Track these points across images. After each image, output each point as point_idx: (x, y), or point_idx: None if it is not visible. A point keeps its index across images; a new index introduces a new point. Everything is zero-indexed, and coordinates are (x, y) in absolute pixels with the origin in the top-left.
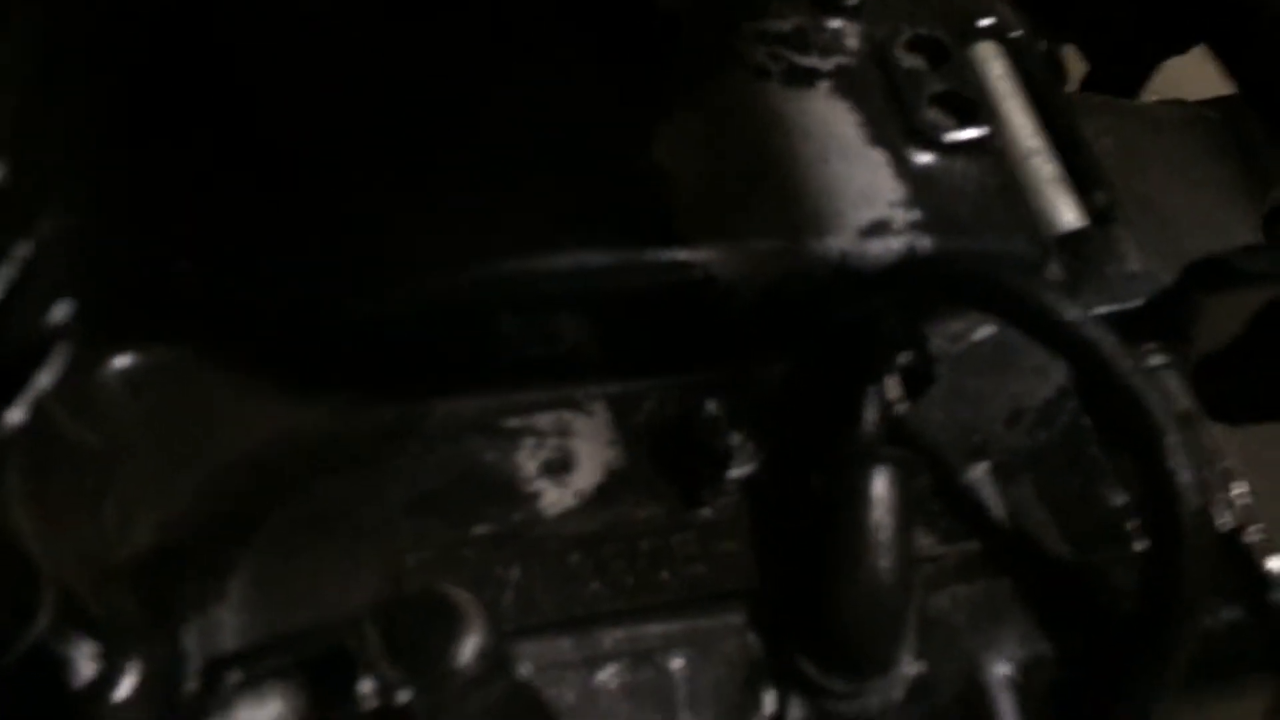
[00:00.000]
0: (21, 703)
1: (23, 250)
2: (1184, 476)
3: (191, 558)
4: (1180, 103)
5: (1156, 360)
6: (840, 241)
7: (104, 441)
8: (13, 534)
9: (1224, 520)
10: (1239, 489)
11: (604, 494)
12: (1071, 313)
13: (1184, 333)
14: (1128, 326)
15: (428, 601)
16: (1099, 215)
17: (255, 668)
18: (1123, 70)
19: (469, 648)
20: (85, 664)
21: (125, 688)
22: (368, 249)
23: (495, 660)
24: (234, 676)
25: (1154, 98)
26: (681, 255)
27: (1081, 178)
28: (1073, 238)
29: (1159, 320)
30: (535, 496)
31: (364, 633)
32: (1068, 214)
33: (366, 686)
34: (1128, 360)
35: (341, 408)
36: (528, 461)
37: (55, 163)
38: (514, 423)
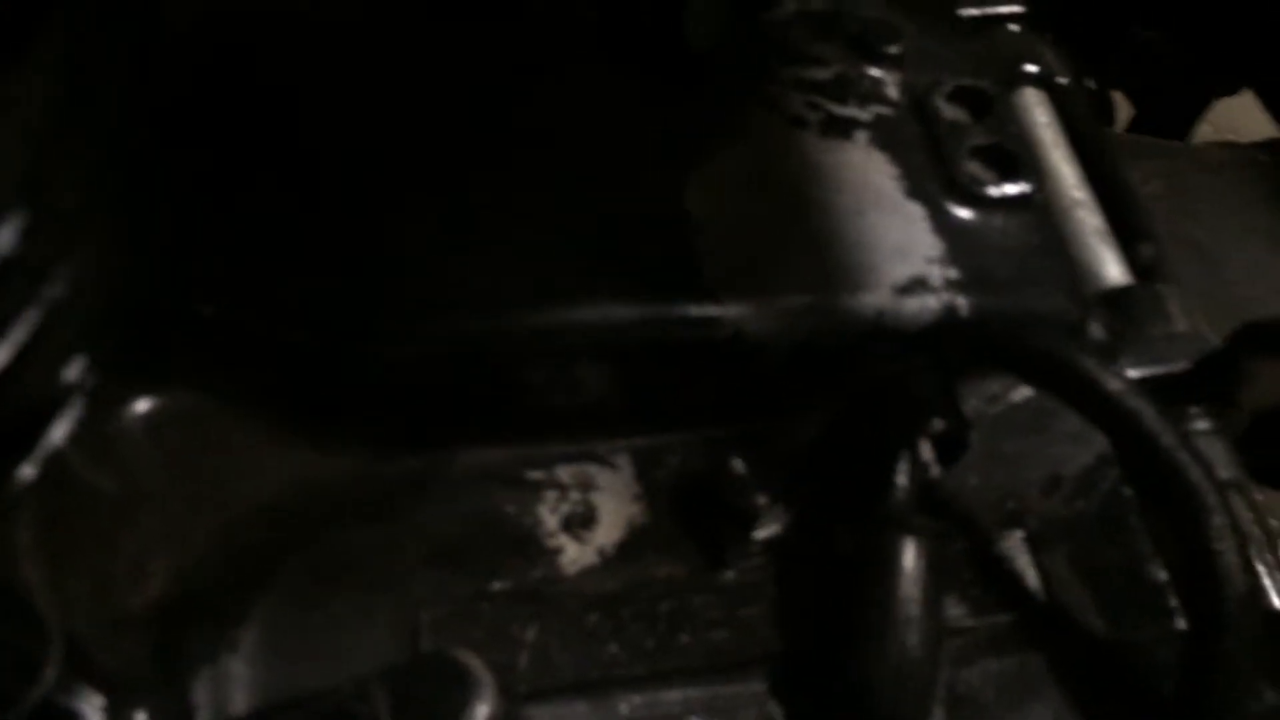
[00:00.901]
0: None
1: (34, 315)
2: (1230, 559)
3: (205, 607)
4: (1232, 145)
5: (1201, 425)
6: (875, 299)
7: (121, 487)
8: (22, 589)
9: (1272, 583)
10: None
11: (625, 552)
12: (1112, 382)
13: (1230, 397)
14: (1172, 389)
15: (439, 666)
16: (1144, 270)
17: None
18: (1171, 112)
19: (479, 715)
20: (92, 717)
21: None
22: (393, 295)
23: None
24: None
25: (1210, 135)
26: (711, 310)
27: (1127, 230)
28: (1116, 295)
29: (1205, 384)
30: (555, 552)
31: (373, 696)
32: (1112, 269)
33: None
34: (1171, 433)
35: (362, 456)
36: (549, 515)
37: (72, 211)
38: (536, 475)
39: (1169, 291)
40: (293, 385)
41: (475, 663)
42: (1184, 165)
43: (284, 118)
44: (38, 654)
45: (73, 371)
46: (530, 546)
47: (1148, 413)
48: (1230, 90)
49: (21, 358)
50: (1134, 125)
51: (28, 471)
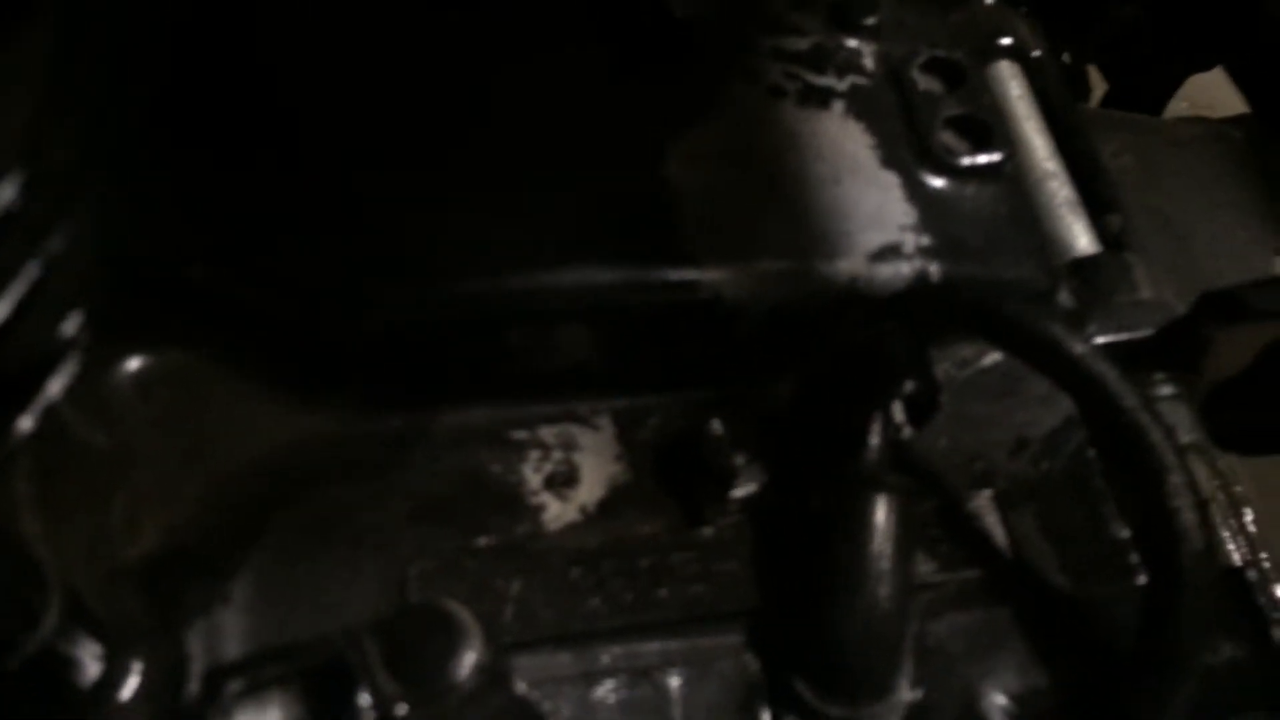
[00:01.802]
0: (28, 702)
1: (33, 269)
2: (1187, 516)
3: (197, 560)
4: (1202, 120)
5: (1165, 390)
6: (850, 265)
7: (113, 443)
8: (21, 539)
9: (1235, 548)
10: (1249, 516)
11: (606, 509)
12: (1076, 346)
13: (1194, 364)
14: (1137, 355)
15: (427, 615)
16: (1112, 240)
17: (256, 676)
18: (1145, 87)
19: (467, 662)
20: (90, 664)
21: (129, 688)
22: (377, 260)
23: (493, 675)
24: (235, 685)
25: (1186, 111)
26: (690, 274)
27: (1096, 201)
28: (1084, 264)
29: (1169, 350)
30: (538, 509)
31: (363, 645)
32: (1081, 239)
33: (365, 699)
34: (1133, 396)
35: (349, 415)
36: (532, 474)
37: (70, 170)
38: (520, 435)
39: (1135, 261)
40: (279, 347)
41: (463, 612)
42: (1155, 140)
43: (275, 89)
44: (37, 602)
45: (69, 326)
46: (514, 504)
47: (1110, 375)
48: (1204, 66)
49: (21, 310)
50: (1108, 100)
51: (26, 423)
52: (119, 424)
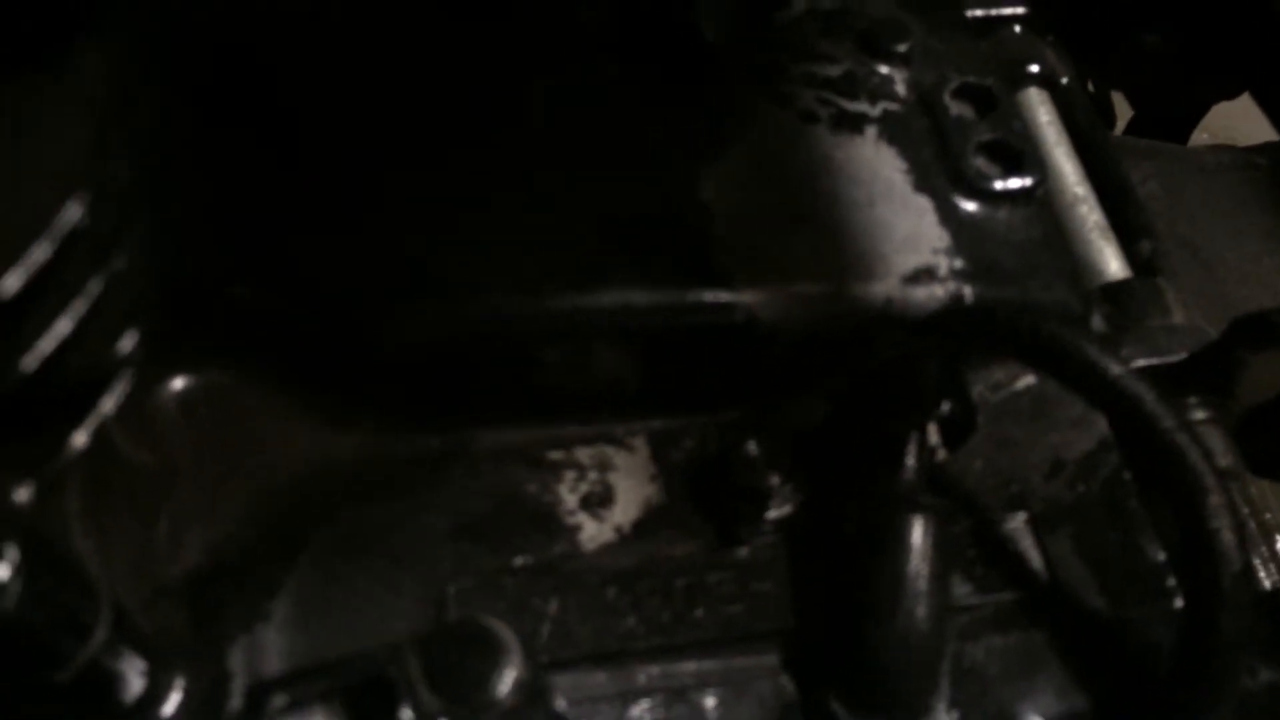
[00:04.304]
0: (74, 715)
1: (96, 286)
2: (1226, 537)
3: (238, 577)
4: (1229, 148)
5: (1199, 415)
6: (884, 287)
7: (158, 462)
8: (73, 554)
9: (1266, 575)
10: None
11: (642, 529)
12: (1113, 367)
13: (1227, 388)
14: (1170, 380)
15: (468, 632)
16: (1143, 265)
17: (299, 691)
18: (1170, 114)
19: (508, 679)
20: (135, 680)
21: (172, 704)
22: (416, 279)
23: (533, 692)
24: (278, 699)
25: (1207, 142)
26: (724, 296)
27: (1127, 226)
28: (1116, 288)
29: (1201, 375)
30: (574, 529)
31: (405, 661)
32: (1112, 263)
33: (406, 714)
34: (1170, 416)
35: (386, 435)
36: (568, 494)
37: (126, 195)
38: (556, 455)
39: (1167, 284)
40: (318, 367)
41: (503, 629)
42: (1181, 167)
43: (317, 111)
44: (88, 616)
45: (126, 344)
46: (550, 524)
47: (1148, 396)
48: (1230, 94)
49: (83, 326)
50: (1132, 127)
51: (80, 439)
52: (163, 443)
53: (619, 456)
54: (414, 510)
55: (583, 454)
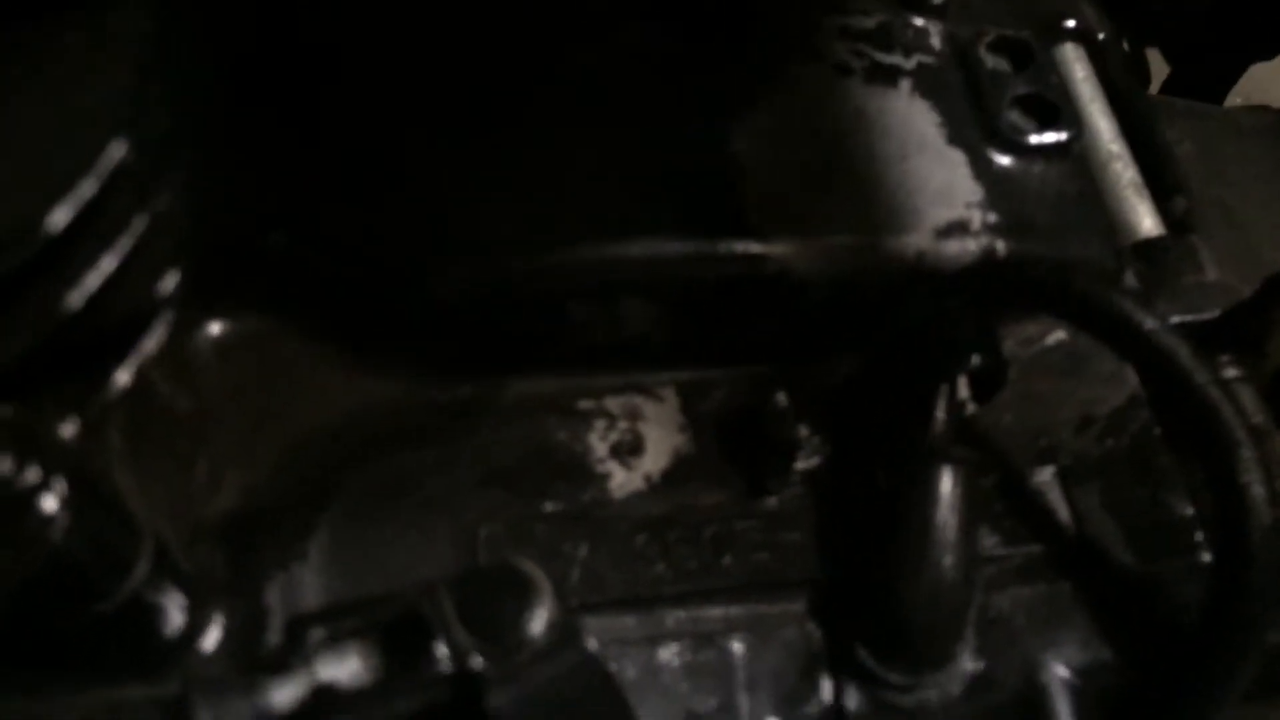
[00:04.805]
0: (116, 649)
1: (140, 223)
2: (1257, 491)
3: (274, 519)
4: (1264, 109)
5: (1230, 372)
6: (917, 240)
7: (196, 406)
8: (116, 490)
9: None
10: None
11: (671, 479)
12: (1148, 321)
13: (1259, 346)
14: (1202, 337)
15: (501, 573)
16: (1177, 223)
17: (336, 627)
18: (1207, 74)
19: (540, 619)
20: (176, 614)
21: (212, 638)
22: (450, 230)
23: (565, 633)
24: (316, 634)
25: (1239, 102)
26: (756, 248)
27: (1161, 184)
28: (1149, 245)
29: (1234, 332)
30: (605, 477)
31: (440, 600)
32: (1146, 220)
33: (441, 651)
34: (1203, 371)
35: (419, 383)
36: (599, 443)
37: (168, 137)
38: (587, 405)
39: (1201, 242)
40: (352, 315)
41: (536, 571)
42: (1216, 127)
43: (351, 63)
44: (130, 551)
45: (167, 284)
46: (580, 471)
47: (1181, 350)
48: (1267, 55)
49: (127, 264)
50: (1168, 86)
51: (123, 377)
52: (202, 387)
53: (649, 407)
54: (445, 458)
55: (613, 403)
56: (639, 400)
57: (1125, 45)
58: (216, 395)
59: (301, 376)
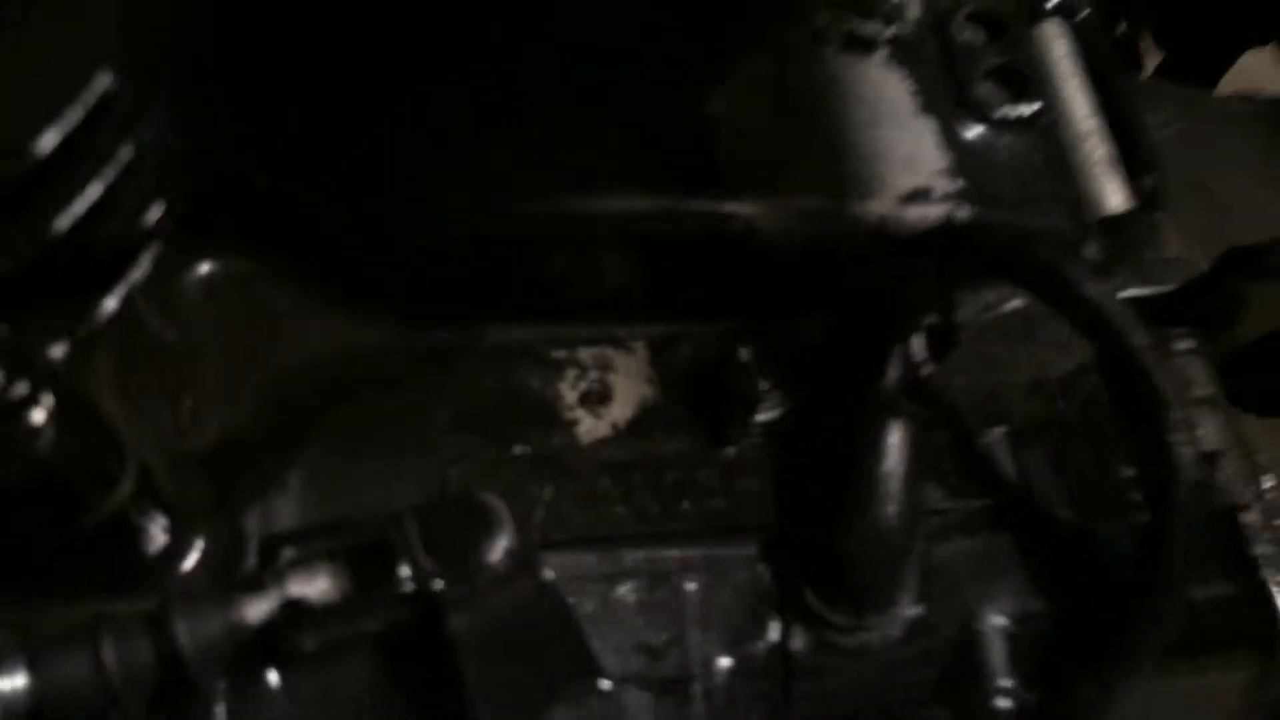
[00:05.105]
0: (100, 565)
1: (125, 153)
2: (1183, 451)
3: (254, 453)
4: (1254, 98)
5: (1185, 345)
6: (880, 205)
7: (182, 340)
8: (103, 412)
9: (1253, 512)
10: (1269, 483)
11: (636, 427)
12: (1090, 286)
13: (1216, 321)
14: (1160, 310)
15: (464, 504)
16: (1145, 199)
17: (307, 548)
18: (1199, 60)
19: (499, 548)
20: (157, 534)
21: (191, 559)
22: (428, 181)
23: (523, 562)
24: (288, 553)
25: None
26: (725, 206)
27: (1133, 161)
28: (1116, 220)
29: (1192, 306)
30: (573, 424)
31: (405, 526)
32: (1115, 197)
33: (404, 573)
34: (1141, 336)
35: (397, 328)
36: (569, 391)
37: (154, 71)
38: (559, 354)
39: (1167, 220)
40: (333, 259)
41: (497, 503)
42: (1204, 113)
43: (343, 8)
44: (114, 469)
45: (152, 215)
46: (550, 417)
47: (1122, 315)
48: (1260, 40)
49: (113, 191)
50: (1161, 71)
51: (110, 304)
52: (187, 323)
53: (619, 358)
54: (420, 401)
55: (585, 354)
56: (610, 352)
57: (1119, 30)
58: (202, 332)
59: (285, 319)
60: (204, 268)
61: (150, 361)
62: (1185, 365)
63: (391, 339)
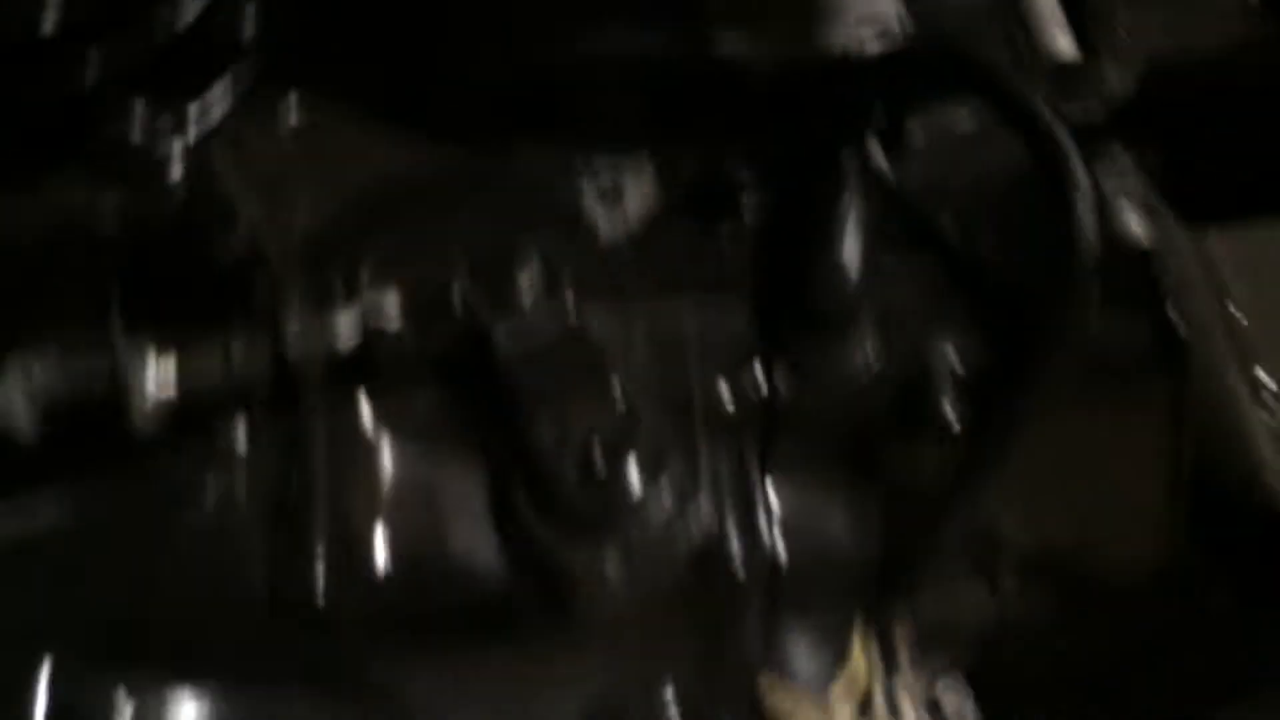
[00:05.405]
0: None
1: None
2: (1087, 217)
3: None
4: None
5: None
6: (840, 39)
7: (274, 158)
8: (225, 188)
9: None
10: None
11: (646, 216)
12: (1020, 85)
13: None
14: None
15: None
16: (1091, 50)
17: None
18: None
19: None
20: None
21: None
22: (479, 24)
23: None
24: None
25: None
26: (710, 36)
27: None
28: (1060, 66)
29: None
30: (592, 217)
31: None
32: (1063, 44)
33: (456, 299)
34: (1050, 111)
35: (442, 149)
36: (588, 189)
37: None
38: (578, 163)
39: (1110, 67)
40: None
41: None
42: None
43: None
44: (232, 222)
45: (248, 29)
46: (571, 212)
47: (1033, 95)
48: None
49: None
50: None
51: (223, 106)
52: (278, 143)
53: (630, 170)
54: (464, 209)
55: (600, 163)
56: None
57: None
58: (290, 154)
59: (352, 143)
60: (291, 100)
61: (251, 169)
62: (1127, 180)
63: (433, 160)
